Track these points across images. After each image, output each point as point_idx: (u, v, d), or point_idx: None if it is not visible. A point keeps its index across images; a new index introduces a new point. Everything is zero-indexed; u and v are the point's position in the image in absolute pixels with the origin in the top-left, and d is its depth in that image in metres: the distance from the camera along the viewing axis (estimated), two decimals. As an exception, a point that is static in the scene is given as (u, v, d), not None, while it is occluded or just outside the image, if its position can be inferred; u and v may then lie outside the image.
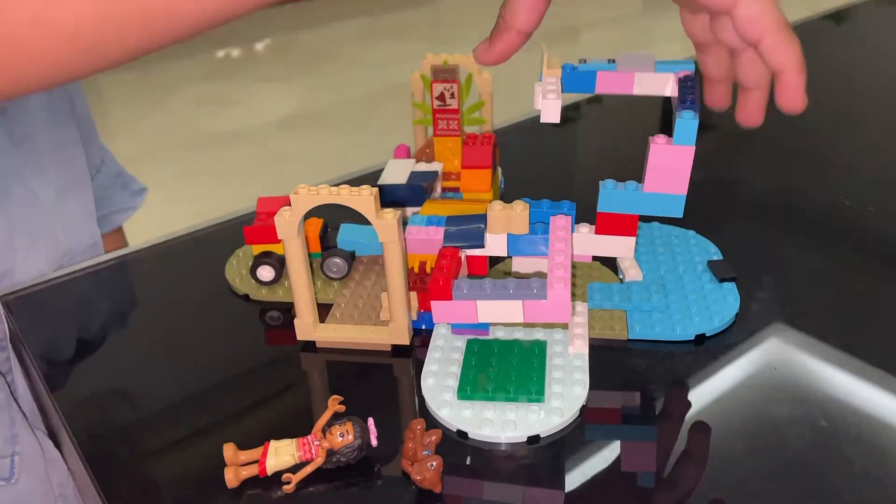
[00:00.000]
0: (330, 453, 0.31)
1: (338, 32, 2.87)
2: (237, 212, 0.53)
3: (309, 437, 0.32)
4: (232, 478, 0.31)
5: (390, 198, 0.47)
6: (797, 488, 0.31)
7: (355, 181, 0.57)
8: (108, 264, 0.49)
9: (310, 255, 0.40)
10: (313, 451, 0.31)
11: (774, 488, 0.31)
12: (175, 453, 0.35)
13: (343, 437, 0.31)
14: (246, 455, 0.32)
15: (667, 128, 0.37)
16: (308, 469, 0.31)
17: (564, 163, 0.62)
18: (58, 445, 0.49)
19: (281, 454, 0.31)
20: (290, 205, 0.36)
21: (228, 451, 0.32)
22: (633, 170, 0.39)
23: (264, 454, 0.32)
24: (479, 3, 3.32)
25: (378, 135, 1.98)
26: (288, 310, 0.43)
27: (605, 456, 0.33)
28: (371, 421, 0.32)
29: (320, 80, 2.37)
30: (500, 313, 0.33)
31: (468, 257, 0.38)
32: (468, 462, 0.33)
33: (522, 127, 0.65)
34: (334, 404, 0.33)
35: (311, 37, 2.77)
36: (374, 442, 0.32)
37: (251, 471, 0.32)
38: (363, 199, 0.35)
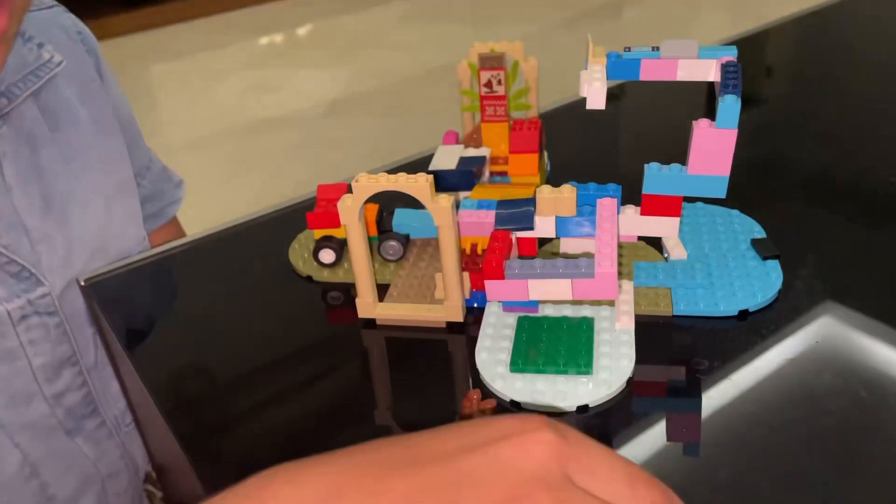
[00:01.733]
0: None
1: (379, 17, 2.89)
2: (298, 198, 0.56)
3: None
4: None
5: (441, 183, 0.50)
6: (835, 456, 0.33)
7: (406, 167, 0.60)
8: (179, 249, 0.53)
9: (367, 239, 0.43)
10: None
11: (814, 456, 0.33)
12: (252, 423, 0.39)
13: None
14: None
15: (710, 112, 0.39)
16: None
17: (609, 146, 0.63)
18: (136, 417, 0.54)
19: None
20: (350, 192, 0.38)
21: None
22: (677, 153, 0.40)
23: None
24: (520, -20, 3.28)
25: (422, 118, 2.00)
26: (347, 290, 0.46)
27: (652, 426, 0.35)
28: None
29: (363, 65, 2.40)
30: (550, 291, 0.35)
31: (518, 239, 0.40)
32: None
33: (567, 111, 0.66)
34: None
35: (352, 22, 2.80)
36: None
37: None
38: (419, 186, 0.37)
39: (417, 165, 0.60)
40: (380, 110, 2.08)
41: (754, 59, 0.77)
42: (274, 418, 0.38)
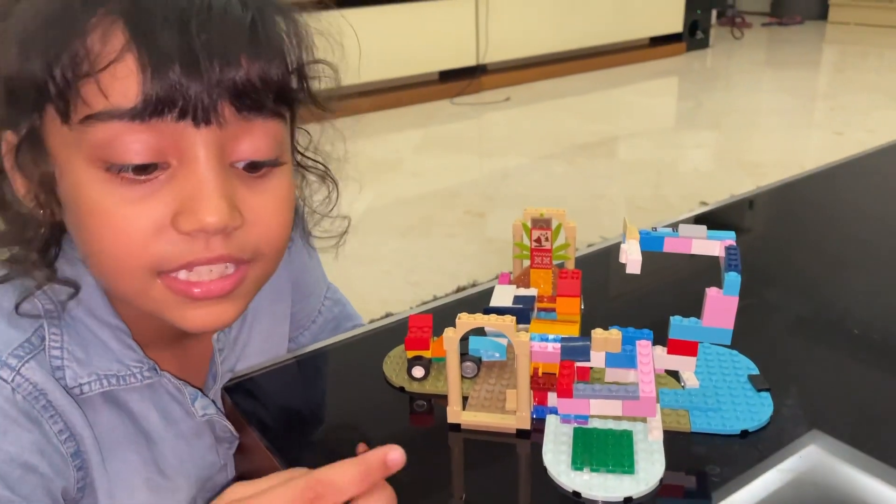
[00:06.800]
0: None
1: (396, 144, 3.14)
2: (382, 321, 0.69)
3: None
4: None
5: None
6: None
7: (466, 301, 0.74)
8: (285, 363, 0.65)
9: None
10: None
11: (801, 541, 0.44)
12: None
13: None
14: None
15: (714, 278, 0.53)
16: None
17: (627, 290, 0.78)
18: None
19: None
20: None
21: None
22: (690, 307, 0.54)
23: None
24: (519, 116, 3.60)
25: (436, 239, 2.17)
26: (430, 399, 0.58)
27: (677, 516, 0.47)
28: None
29: (384, 188, 2.60)
30: (605, 408, 0.48)
31: (577, 367, 0.53)
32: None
33: (594, 261, 0.81)
34: None
35: (370, 147, 3.04)
36: None
37: None
38: (506, 325, 0.51)
39: (474, 300, 0.74)
40: (398, 231, 2.25)
41: (739, 223, 0.94)
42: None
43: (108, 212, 0.44)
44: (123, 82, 0.42)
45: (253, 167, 0.48)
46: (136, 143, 0.43)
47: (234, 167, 0.47)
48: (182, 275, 0.47)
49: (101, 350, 0.52)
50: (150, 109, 0.42)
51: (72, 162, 0.45)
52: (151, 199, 0.44)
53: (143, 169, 0.44)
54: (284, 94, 0.48)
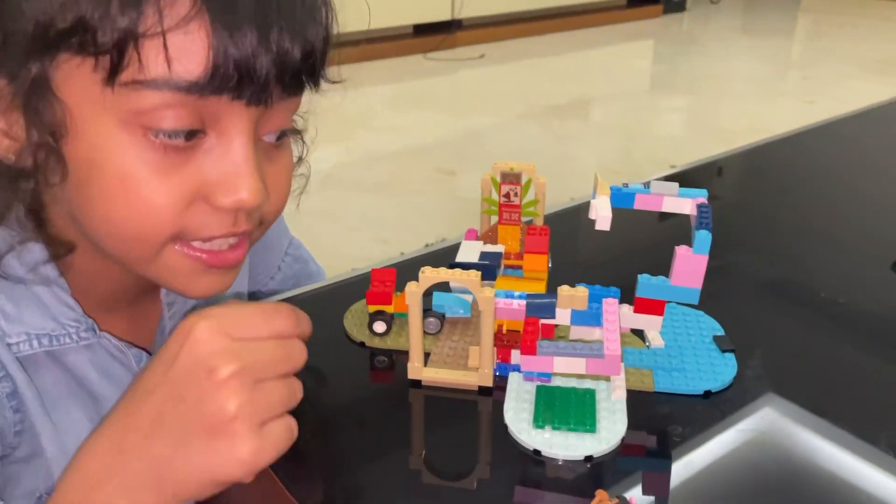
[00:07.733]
0: None
1: (368, 98, 3.07)
2: (344, 275, 0.67)
3: None
4: None
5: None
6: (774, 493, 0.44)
7: (432, 257, 0.72)
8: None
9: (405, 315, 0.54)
10: None
11: (754, 497, 0.44)
12: (307, 457, 0.48)
13: None
14: None
15: (684, 239, 0.52)
16: None
17: (596, 248, 0.77)
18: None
19: None
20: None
21: None
22: (656, 265, 0.53)
23: None
24: (493, 74, 3.55)
25: (405, 197, 2.14)
26: (391, 355, 0.57)
27: (638, 476, 0.46)
28: (633, 500, 0.41)
29: (353, 143, 2.55)
30: (569, 366, 0.47)
31: (542, 325, 0.51)
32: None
33: (564, 219, 0.80)
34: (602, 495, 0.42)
35: (340, 100, 2.97)
36: None
37: None
38: (471, 280, 0.49)
39: (444, 254, 0.72)
40: (366, 187, 2.22)
41: (708, 185, 0.93)
42: (325, 457, 0.48)
43: (141, 180, 0.41)
44: (188, 51, 0.38)
45: (276, 137, 0.47)
46: (184, 115, 0.40)
47: (261, 140, 0.46)
48: (197, 243, 0.45)
49: (35, 305, 0.48)
50: (213, 87, 0.40)
51: (97, 121, 0.40)
52: (184, 168, 0.42)
53: (184, 136, 0.41)
54: (321, 70, 0.47)
